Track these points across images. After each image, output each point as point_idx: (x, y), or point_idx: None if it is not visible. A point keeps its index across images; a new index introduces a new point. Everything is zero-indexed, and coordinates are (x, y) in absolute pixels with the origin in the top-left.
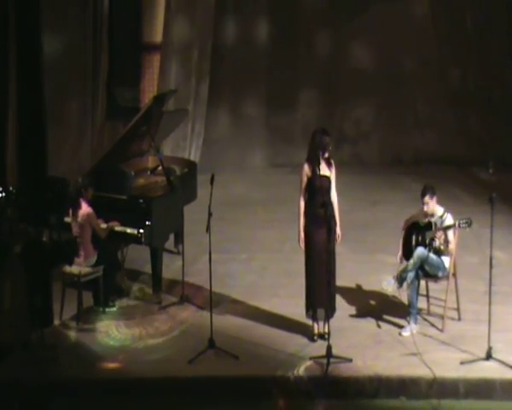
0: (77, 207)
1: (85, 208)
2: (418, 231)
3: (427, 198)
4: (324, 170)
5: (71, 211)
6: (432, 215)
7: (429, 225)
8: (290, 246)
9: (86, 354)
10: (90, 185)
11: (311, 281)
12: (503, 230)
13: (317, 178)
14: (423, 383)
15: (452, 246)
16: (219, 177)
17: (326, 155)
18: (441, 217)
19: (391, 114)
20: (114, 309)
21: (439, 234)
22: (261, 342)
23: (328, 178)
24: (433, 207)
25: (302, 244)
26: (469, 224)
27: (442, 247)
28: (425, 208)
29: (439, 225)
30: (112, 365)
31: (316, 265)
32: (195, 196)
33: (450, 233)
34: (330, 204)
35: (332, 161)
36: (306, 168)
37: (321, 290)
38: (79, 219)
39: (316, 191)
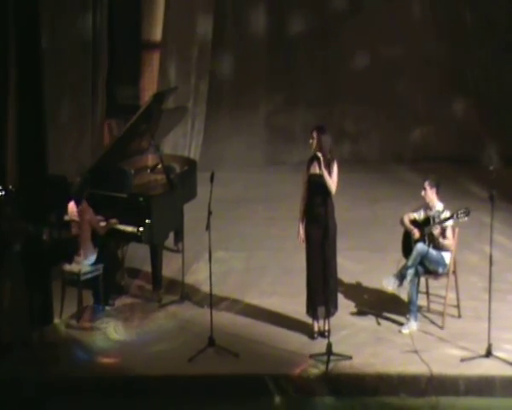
0: (75, 205)
1: (83, 206)
2: (417, 228)
3: (426, 183)
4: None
5: (69, 209)
6: (430, 209)
7: (427, 221)
8: (291, 244)
9: (86, 352)
10: (86, 184)
11: (311, 279)
12: (503, 226)
13: (316, 176)
14: (423, 380)
15: (449, 241)
16: (219, 175)
17: (325, 153)
18: (440, 212)
19: (391, 111)
20: (114, 307)
21: (437, 228)
22: (261, 340)
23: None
24: (432, 198)
25: (301, 241)
26: (467, 213)
27: (440, 240)
28: (422, 193)
29: (437, 219)
30: (111, 363)
31: (315, 263)
32: (195, 194)
33: (449, 230)
34: (330, 204)
35: (333, 162)
36: (306, 167)
37: (320, 289)
38: (78, 217)
39: (315, 190)
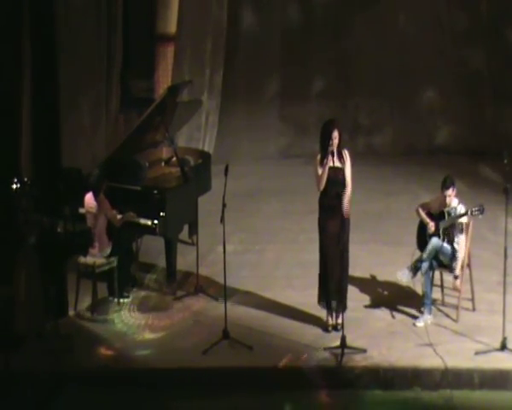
0: (93, 197)
1: (100, 198)
2: (433, 221)
3: (450, 191)
4: (336, 162)
5: (86, 201)
6: (447, 205)
7: (443, 215)
8: (304, 237)
9: (100, 344)
10: (104, 176)
11: (324, 273)
12: None
13: (332, 170)
14: (437, 373)
15: (465, 236)
16: (233, 167)
17: (335, 146)
18: (455, 208)
19: (405, 104)
20: (129, 300)
21: (451, 224)
22: (275, 333)
23: (340, 170)
24: (453, 198)
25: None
26: (482, 211)
27: (454, 234)
28: (447, 200)
29: (452, 214)
30: (126, 355)
31: (328, 257)
32: (210, 186)
33: (465, 224)
34: (344, 196)
35: (344, 153)
36: (318, 161)
37: (332, 283)
38: (94, 209)
39: (328, 183)
